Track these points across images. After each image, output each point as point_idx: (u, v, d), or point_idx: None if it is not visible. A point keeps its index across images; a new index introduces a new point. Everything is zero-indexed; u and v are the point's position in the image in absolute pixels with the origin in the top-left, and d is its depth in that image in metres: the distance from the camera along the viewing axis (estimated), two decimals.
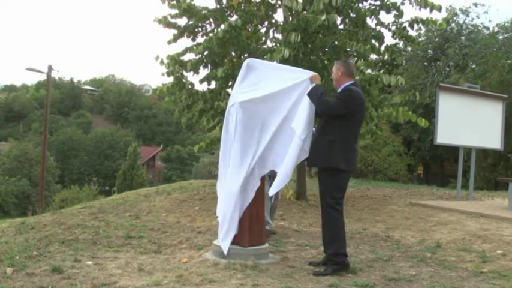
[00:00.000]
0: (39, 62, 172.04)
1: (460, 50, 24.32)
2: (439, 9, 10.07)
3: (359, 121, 5.63)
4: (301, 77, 5.68)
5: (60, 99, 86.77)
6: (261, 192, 5.97)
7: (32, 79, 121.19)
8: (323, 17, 8.80)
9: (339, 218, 5.50)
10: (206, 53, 10.36)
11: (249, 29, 10.41)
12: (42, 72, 28.48)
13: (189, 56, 10.83)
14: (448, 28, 24.95)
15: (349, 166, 5.48)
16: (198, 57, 10.57)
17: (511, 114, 17.30)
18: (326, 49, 10.17)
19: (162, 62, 10.37)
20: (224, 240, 5.67)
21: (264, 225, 6.09)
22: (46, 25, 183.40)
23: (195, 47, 10.57)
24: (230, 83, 10.70)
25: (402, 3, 10.30)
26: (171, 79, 10.55)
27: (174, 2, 10.40)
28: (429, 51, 26.23)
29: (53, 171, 48.84)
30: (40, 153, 32.82)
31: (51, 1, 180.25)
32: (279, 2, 10.53)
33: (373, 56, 11.38)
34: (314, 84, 5.55)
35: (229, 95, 10.22)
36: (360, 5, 10.38)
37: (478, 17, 26.11)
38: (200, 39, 10.99)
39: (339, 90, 5.56)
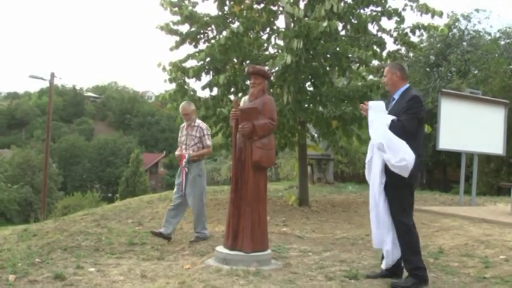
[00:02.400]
0: (41, 70, 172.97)
1: (462, 56, 24.34)
2: (441, 15, 10.09)
3: (423, 124, 5.46)
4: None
5: (62, 107, 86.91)
6: (263, 197, 5.98)
7: (35, 86, 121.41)
8: (325, 24, 8.83)
9: (415, 232, 5.21)
10: (208, 59, 10.39)
11: (251, 36, 10.45)
12: (45, 80, 28.55)
13: (191, 63, 10.88)
14: (449, 34, 24.94)
15: (422, 176, 5.32)
16: (200, 63, 10.61)
17: None
18: (328, 55, 10.19)
19: (164, 69, 10.40)
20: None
21: (267, 231, 6.08)
22: (49, 33, 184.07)
23: (197, 54, 10.61)
24: (232, 90, 10.73)
25: (403, 10, 10.33)
26: (173, 86, 10.57)
27: (176, 9, 10.45)
28: (431, 57, 26.22)
29: (55, 178, 48.94)
30: (42, 160, 32.85)
31: (54, 9, 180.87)
32: (281, 9, 10.57)
33: (375, 62, 11.40)
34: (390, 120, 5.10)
35: (231, 101, 10.26)
36: (362, 11, 10.42)
37: (479, 22, 26.14)
38: (202, 45, 11.05)
39: (396, 96, 5.34)
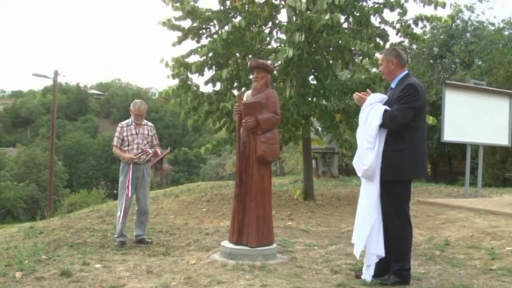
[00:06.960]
0: (45, 68, 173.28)
1: (466, 47, 24.21)
2: (443, 5, 10.05)
3: (425, 116, 5.00)
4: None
5: (67, 104, 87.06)
6: (268, 191, 5.97)
7: (39, 85, 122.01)
8: (327, 16, 8.80)
9: (411, 232, 4.94)
10: (211, 54, 10.39)
11: (253, 30, 10.44)
12: (49, 78, 28.60)
13: (194, 58, 10.89)
14: (453, 25, 24.80)
15: (422, 173, 5.05)
16: (202, 59, 10.60)
17: None
18: (331, 48, 10.16)
19: (167, 65, 10.39)
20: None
21: (272, 226, 6.06)
22: (52, 31, 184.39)
23: (199, 49, 10.61)
24: (235, 84, 10.72)
25: (406, 1, 10.29)
26: (176, 81, 10.57)
27: (178, 4, 10.44)
28: (434, 48, 26.09)
29: (61, 175, 49.08)
30: (48, 158, 32.94)
31: (57, 7, 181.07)
32: (283, 2, 10.56)
33: (377, 55, 11.35)
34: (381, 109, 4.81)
35: (234, 96, 10.25)
36: (364, 3, 10.40)
37: (483, 13, 26.07)
38: (204, 41, 11.04)
39: (393, 84, 4.97)
